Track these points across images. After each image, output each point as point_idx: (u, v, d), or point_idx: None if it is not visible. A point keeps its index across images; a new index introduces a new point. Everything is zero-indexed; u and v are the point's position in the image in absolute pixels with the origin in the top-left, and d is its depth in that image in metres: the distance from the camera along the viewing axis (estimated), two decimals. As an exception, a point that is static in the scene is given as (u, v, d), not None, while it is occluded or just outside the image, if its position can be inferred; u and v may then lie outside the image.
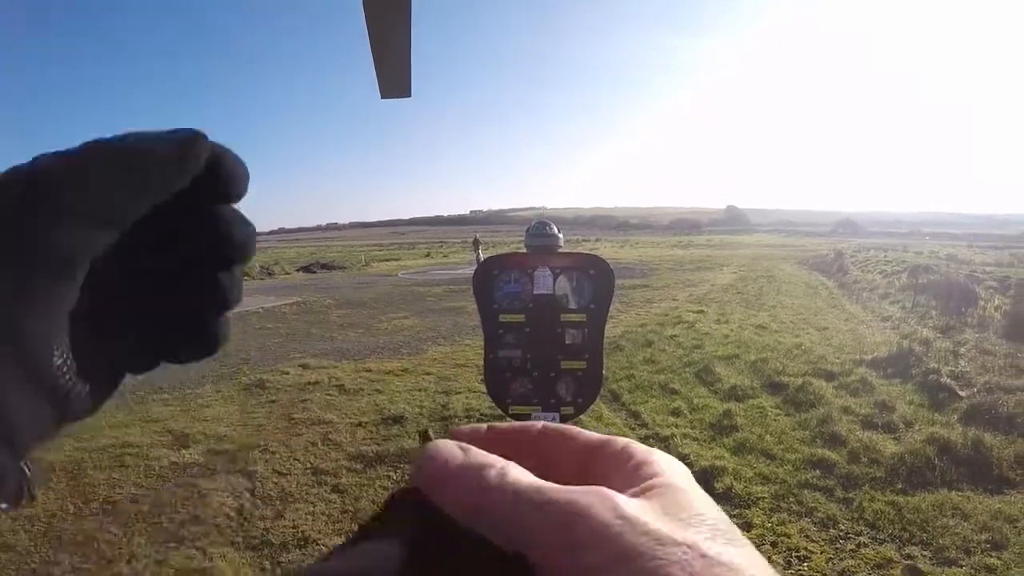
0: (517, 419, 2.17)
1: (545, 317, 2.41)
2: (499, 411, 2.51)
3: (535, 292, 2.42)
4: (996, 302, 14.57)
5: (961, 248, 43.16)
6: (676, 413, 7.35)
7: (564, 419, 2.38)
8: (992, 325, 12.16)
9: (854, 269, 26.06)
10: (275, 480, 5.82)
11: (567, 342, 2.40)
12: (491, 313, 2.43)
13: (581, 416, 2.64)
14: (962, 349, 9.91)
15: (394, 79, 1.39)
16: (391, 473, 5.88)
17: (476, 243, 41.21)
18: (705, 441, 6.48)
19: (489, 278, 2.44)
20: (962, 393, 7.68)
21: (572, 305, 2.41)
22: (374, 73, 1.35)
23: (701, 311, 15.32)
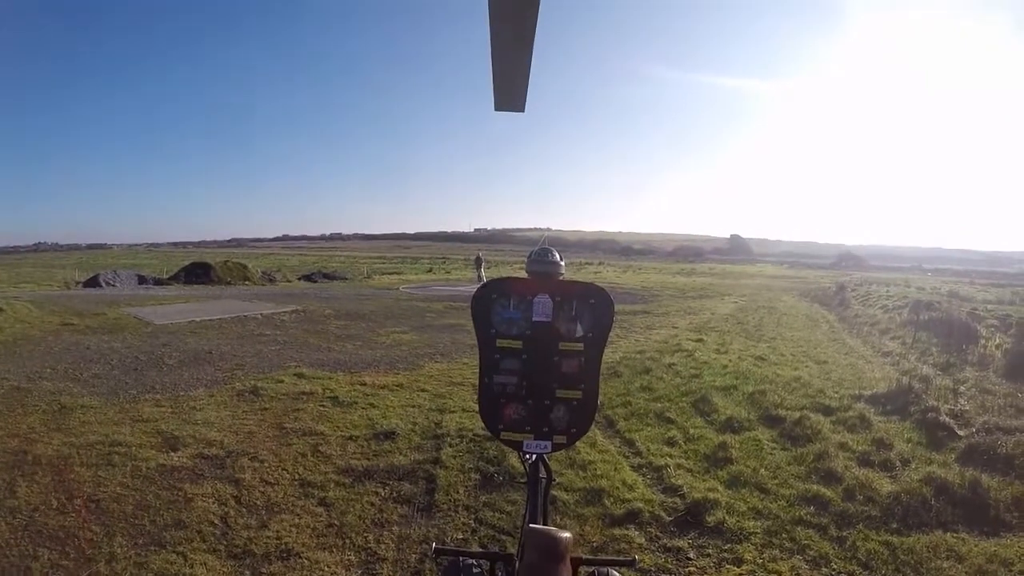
0: (507, 445, 2.51)
1: (543, 345, 2.43)
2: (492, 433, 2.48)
3: (534, 319, 2.44)
4: (997, 340, 14.50)
5: (963, 285, 42.90)
6: (671, 443, 7.22)
7: (556, 448, 2.46)
8: (993, 364, 12.11)
9: (855, 303, 26.00)
10: (262, 489, 5.74)
11: (563, 371, 2.43)
12: (488, 337, 2.46)
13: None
14: (962, 387, 9.82)
15: (510, 93, 1.44)
16: (379, 490, 5.77)
17: (479, 261, 41.23)
18: (699, 473, 6.35)
19: (488, 302, 2.47)
20: (960, 432, 7.60)
21: (570, 334, 2.44)
22: (490, 85, 1.39)
23: (701, 340, 15.26)
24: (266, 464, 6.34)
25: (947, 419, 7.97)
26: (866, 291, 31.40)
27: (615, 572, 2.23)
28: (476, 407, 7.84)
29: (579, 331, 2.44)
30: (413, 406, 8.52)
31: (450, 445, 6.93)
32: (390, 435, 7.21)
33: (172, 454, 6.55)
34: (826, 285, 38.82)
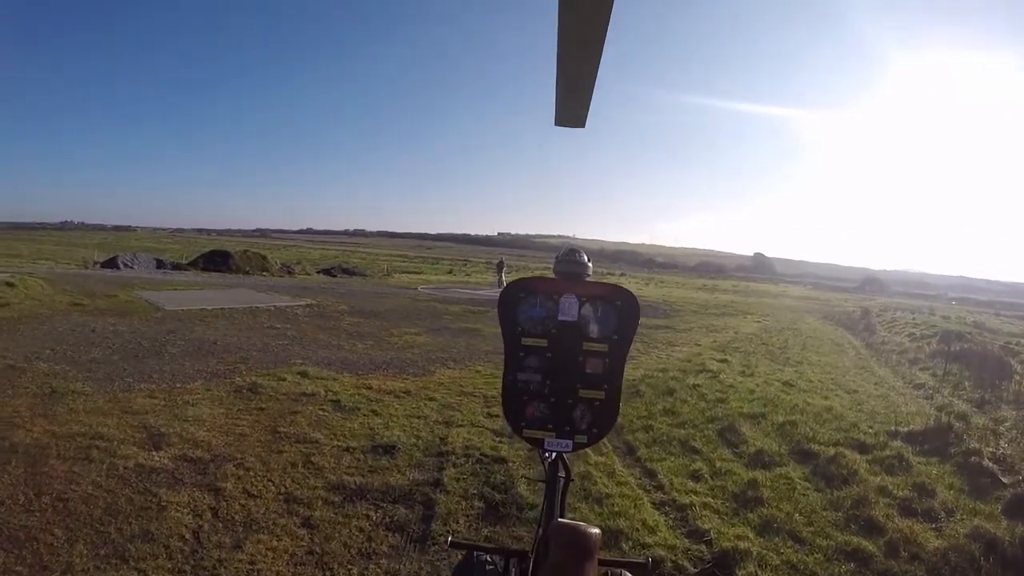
0: (529, 442, 2.45)
1: (567, 344, 2.40)
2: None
3: (560, 318, 2.40)
4: (1033, 377, 13.83)
5: (988, 316, 42.22)
6: (696, 477, 6.57)
7: (576, 447, 2.41)
8: (1030, 402, 11.48)
9: (881, 329, 25.68)
10: (243, 502, 5.23)
11: (587, 371, 2.39)
12: (514, 336, 2.42)
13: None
14: (1002, 428, 9.18)
15: (572, 109, 1.40)
16: (371, 513, 5.19)
17: (500, 265, 41.24)
18: (727, 515, 5.70)
19: (515, 300, 2.43)
20: (1005, 479, 6.99)
21: (595, 335, 2.39)
22: (553, 99, 1.36)
23: (725, 360, 14.70)
24: (252, 473, 5.83)
25: (990, 464, 7.37)
26: (891, 317, 31.13)
27: (628, 574, 2.24)
28: (486, 423, 7.37)
29: (604, 332, 2.40)
30: (418, 417, 7.97)
31: (454, 465, 6.35)
32: (390, 449, 6.64)
33: (154, 453, 6.11)
34: (850, 309, 38.35)
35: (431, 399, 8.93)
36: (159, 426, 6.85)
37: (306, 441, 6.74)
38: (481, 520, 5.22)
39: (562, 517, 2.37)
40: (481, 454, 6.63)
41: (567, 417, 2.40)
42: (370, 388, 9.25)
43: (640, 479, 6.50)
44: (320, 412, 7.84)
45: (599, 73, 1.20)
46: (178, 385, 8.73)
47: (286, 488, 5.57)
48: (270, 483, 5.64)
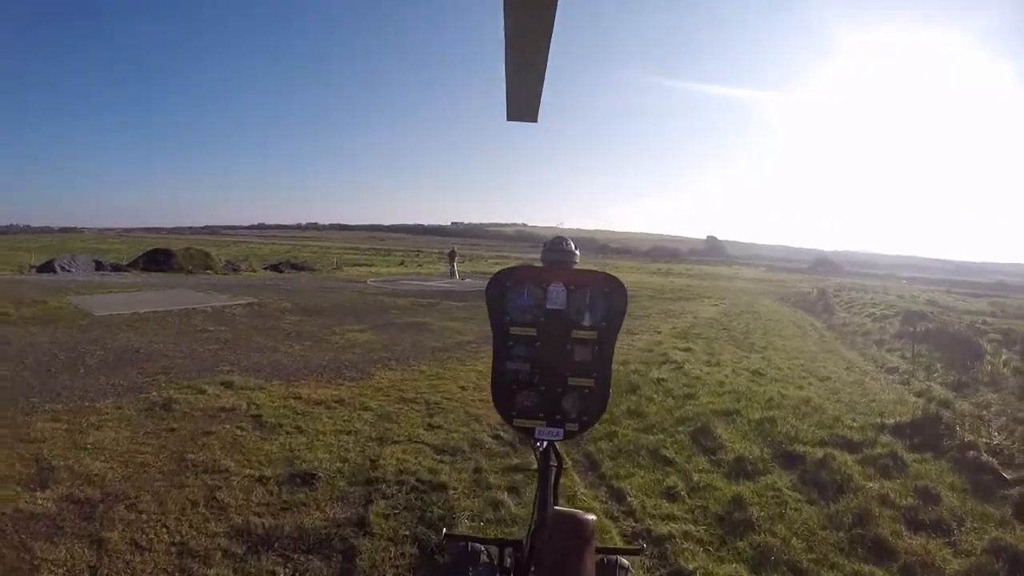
0: (519, 431, 2.67)
1: (556, 332, 2.42)
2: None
3: (548, 306, 2.43)
4: (1004, 357, 13.70)
5: (940, 294, 42.82)
6: (672, 495, 5.61)
7: (567, 436, 2.45)
8: (1007, 385, 11.17)
9: (840, 310, 25.77)
10: (128, 558, 4.28)
11: (576, 359, 2.41)
12: (502, 324, 2.44)
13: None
14: (988, 414, 8.64)
15: (523, 104, 1.52)
16: (277, 568, 4.21)
17: (452, 255, 41.16)
18: (713, 546, 4.75)
19: (503, 289, 2.44)
20: (1007, 475, 6.38)
21: (584, 322, 2.42)
22: (504, 95, 1.48)
23: (688, 348, 14.02)
24: (144, 516, 4.85)
25: (988, 458, 6.75)
26: (848, 297, 31.50)
27: (624, 560, 2.43)
28: (426, 436, 6.50)
29: (593, 320, 2.42)
30: (349, 432, 6.98)
31: (384, 496, 5.34)
32: (309, 478, 5.61)
33: (38, 494, 5.14)
34: (806, 290, 38.36)
35: (366, 408, 7.98)
36: (52, 457, 5.88)
37: (214, 471, 5.75)
38: (414, 574, 4.27)
39: (555, 506, 2.38)
40: (417, 480, 5.67)
41: (557, 405, 2.41)
42: (299, 398, 8.31)
43: (606, 503, 5.56)
44: (237, 432, 6.85)
45: (548, 68, 1.29)
46: (87, 404, 7.78)
47: (181, 536, 4.60)
48: (163, 529, 4.68)
